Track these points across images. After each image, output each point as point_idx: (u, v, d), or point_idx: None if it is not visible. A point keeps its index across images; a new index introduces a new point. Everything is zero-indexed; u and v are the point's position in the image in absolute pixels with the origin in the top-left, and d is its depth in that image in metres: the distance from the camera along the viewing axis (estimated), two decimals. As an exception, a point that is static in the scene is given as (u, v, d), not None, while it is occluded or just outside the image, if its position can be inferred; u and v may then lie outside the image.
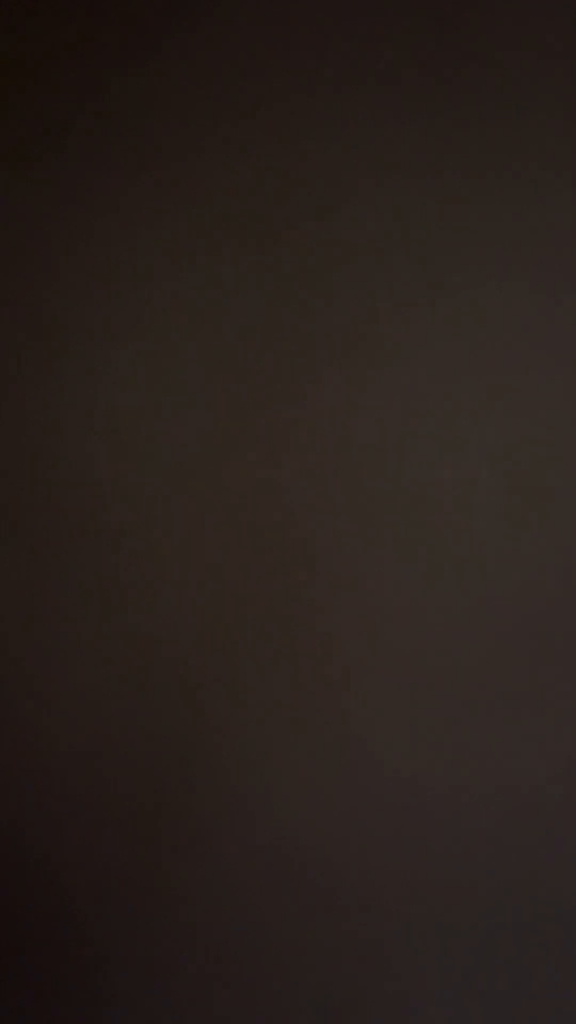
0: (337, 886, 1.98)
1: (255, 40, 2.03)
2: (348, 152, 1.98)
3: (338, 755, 1.97)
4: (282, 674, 2.00)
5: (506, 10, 1.91)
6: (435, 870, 1.93)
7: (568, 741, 1.88)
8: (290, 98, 2.01)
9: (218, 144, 2.05)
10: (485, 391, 1.92)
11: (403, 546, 1.95)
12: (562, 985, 1.88)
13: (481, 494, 1.92)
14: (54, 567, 2.13)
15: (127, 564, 2.09)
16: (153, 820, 2.07)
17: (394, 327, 1.96)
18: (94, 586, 2.10)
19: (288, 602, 2.00)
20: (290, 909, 2.00)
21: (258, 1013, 2.01)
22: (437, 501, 1.94)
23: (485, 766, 1.91)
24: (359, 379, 1.98)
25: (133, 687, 2.08)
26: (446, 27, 1.93)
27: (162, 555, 2.07)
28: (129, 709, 2.08)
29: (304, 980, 1.99)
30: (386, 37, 1.96)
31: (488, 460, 1.92)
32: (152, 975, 2.07)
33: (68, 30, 2.13)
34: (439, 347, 1.94)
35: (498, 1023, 1.91)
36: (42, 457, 2.14)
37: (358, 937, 1.97)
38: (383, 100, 1.96)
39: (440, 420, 1.94)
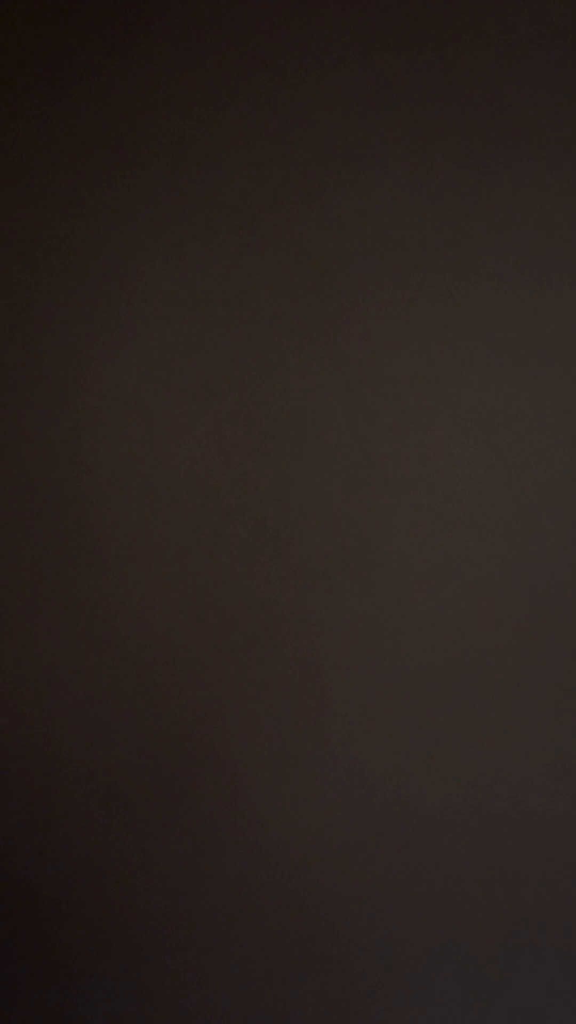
0: (332, 889, 1.98)
1: (253, 27, 2.02)
2: (348, 145, 1.97)
3: (331, 761, 1.97)
4: (276, 678, 2.00)
5: (506, 7, 1.90)
6: (427, 869, 1.93)
7: (566, 750, 1.88)
8: (290, 89, 2.00)
9: (215, 136, 2.04)
10: (486, 390, 1.91)
11: (398, 556, 1.95)
12: (560, 988, 1.88)
13: (479, 499, 1.91)
14: (53, 575, 2.12)
15: (125, 569, 2.08)
16: (148, 823, 2.07)
17: (395, 326, 1.95)
18: (93, 589, 2.10)
19: (282, 610, 2.00)
20: (283, 911, 2.00)
21: (252, 1008, 2.02)
22: (433, 511, 1.93)
23: (478, 772, 1.91)
24: (360, 380, 1.97)
25: (130, 695, 2.08)
26: (449, 15, 1.92)
27: (159, 560, 2.06)
28: (125, 716, 2.08)
29: (299, 975, 1.99)
30: (386, 26, 1.95)
31: (488, 460, 1.91)
32: (146, 969, 2.07)
33: (63, 14, 2.12)
34: (440, 347, 1.93)
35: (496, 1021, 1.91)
36: (34, 466, 2.13)
37: (355, 935, 1.97)
38: (383, 91, 1.95)
39: (441, 418, 1.93)
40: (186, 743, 2.04)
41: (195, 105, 2.04)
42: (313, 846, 1.98)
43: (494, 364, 1.90)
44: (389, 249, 1.94)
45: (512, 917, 1.89)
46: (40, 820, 2.12)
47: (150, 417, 2.07)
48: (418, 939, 1.94)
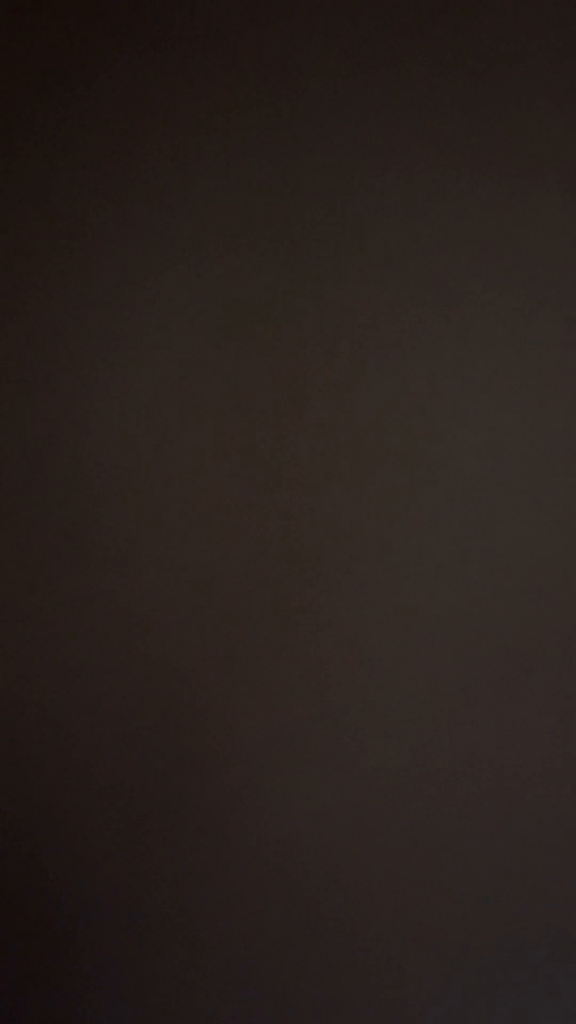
0: (334, 887, 1.97)
1: (255, 30, 2.02)
2: (352, 152, 1.97)
3: (334, 757, 1.97)
4: (280, 673, 2.00)
5: (507, 6, 1.90)
6: (431, 871, 1.93)
7: (567, 745, 1.87)
8: (293, 91, 1.99)
9: (219, 142, 2.04)
10: (489, 394, 1.91)
11: (400, 559, 1.94)
12: (560, 985, 1.87)
13: (481, 504, 1.91)
14: (56, 577, 2.12)
15: (130, 571, 2.08)
16: (150, 821, 2.06)
17: (398, 335, 1.95)
18: (97, 591, 2.09)
19: (287, 607, 1.99)
20: (287, 909, 2.00)
21: (254, 1007, 2.01)
22: (436, 515, 1.93)
23: (479, 768, 1.91)
24: (360, 383, 1.97)
25: (133, 695, 2.07)
26: (453, 19, 1.92)
27: (163, 563, 2.06)
28: (128, 716, 2.08)
29: (301, 974, 1.99)
30: (391, 30, 1.95)
31: (490, 465, 1.91)
32: (148, 969, 2.07)
33: (68, 16, 2.12)
34: (445, 353, 1.92)
35: (493, 1018, 1.91)
36: (38, 469, 2.13)
37: (352, 932, 1.97)
38: (386, 97, 1.95)
39: (440, 422, 1.93)
40: (189, 742, 2.04)
41: (199, 112, 2.04)
42: (316, 844, 1.98)
43: (497, 368, 1.90)
44: (393, 256, 1.94)
45: (513, 914, 1.89)
46: (42, 820, 2.11)
47: (154, 421, 2.07)
48: (420, 939, 1.93)
